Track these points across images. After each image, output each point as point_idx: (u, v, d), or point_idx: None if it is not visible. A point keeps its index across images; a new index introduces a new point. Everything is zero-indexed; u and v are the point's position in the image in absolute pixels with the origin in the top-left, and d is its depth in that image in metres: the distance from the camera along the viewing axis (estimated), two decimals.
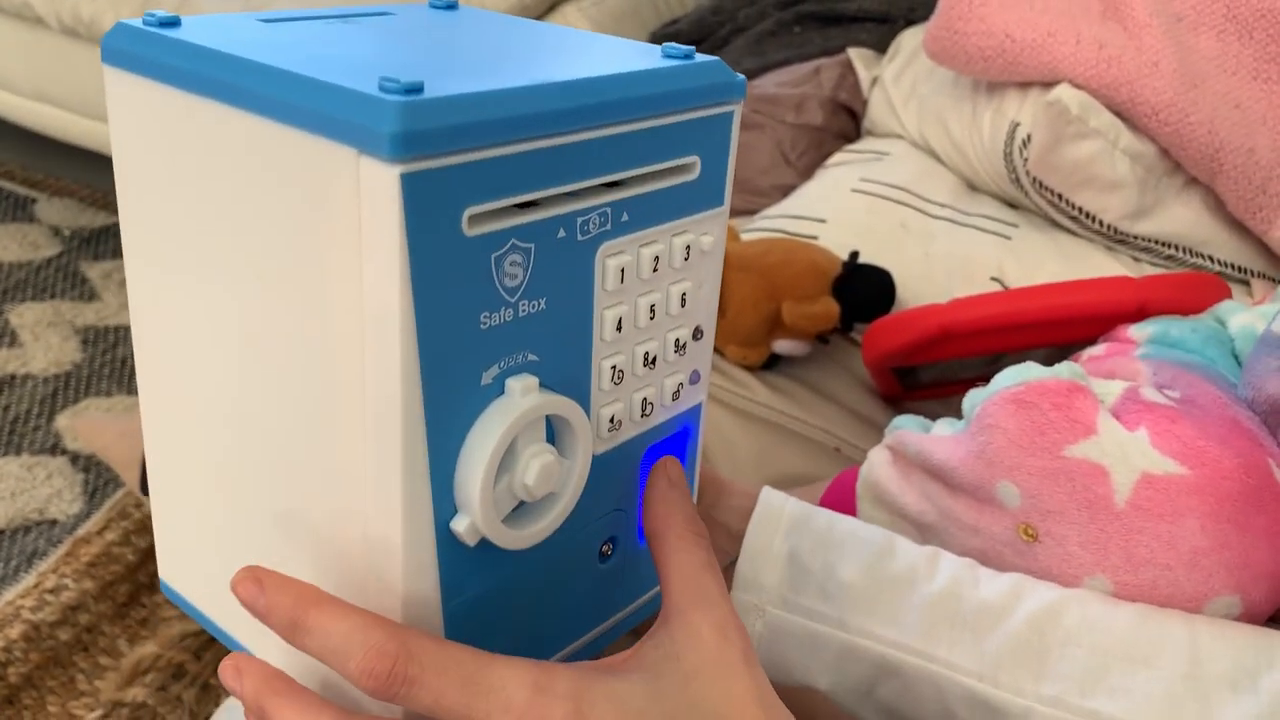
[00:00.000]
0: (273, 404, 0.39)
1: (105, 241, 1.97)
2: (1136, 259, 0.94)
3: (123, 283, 0.45)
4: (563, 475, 0.39)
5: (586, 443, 0.40)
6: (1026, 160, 0.93)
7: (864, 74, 1.20)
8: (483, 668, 0.35)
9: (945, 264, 0.92)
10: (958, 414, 0.60)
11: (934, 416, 0.87)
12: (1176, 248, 0.93)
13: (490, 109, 0.33)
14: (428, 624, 0.38)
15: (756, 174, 1.13)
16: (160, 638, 1.17)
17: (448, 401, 0.35)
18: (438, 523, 0.36)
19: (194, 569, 0.47)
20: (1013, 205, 1.01)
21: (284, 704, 0.37)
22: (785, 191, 1.11)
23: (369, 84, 0.32)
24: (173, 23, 0.39)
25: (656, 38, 1.44)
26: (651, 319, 0.41)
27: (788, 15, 1.29)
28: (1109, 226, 0.92)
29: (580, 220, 0.37)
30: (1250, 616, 0.49)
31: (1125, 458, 0.49)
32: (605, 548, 0.45)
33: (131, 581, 1.25)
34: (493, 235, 0.34)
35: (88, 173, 2.17)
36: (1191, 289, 0.69)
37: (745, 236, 0.97)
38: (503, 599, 0.40)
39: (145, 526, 1.31)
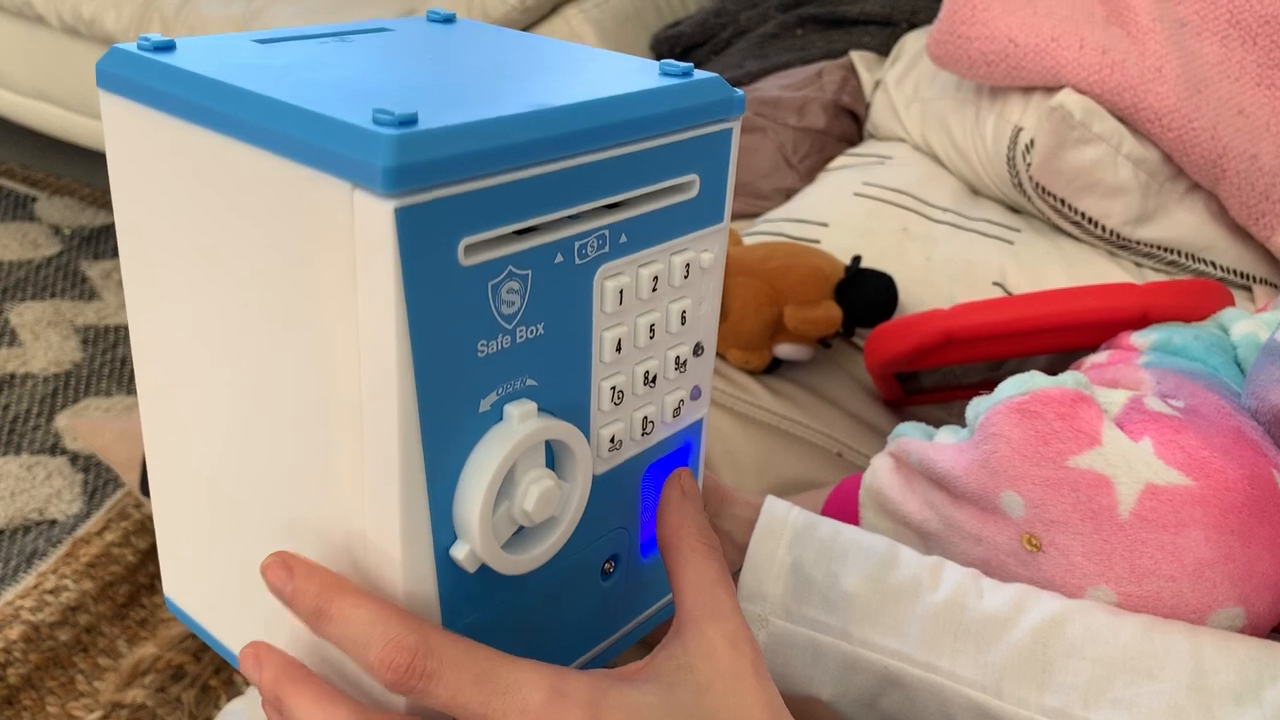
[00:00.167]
0: (270, 431, 0.38)
1: (105, 240, 1.97)
2: (1139, 264, 0.94)
3: (122, 282, 0.46)
4: (562, 499, 0.39)
5: (586, 466, 0.39)
6: (1029, 165, 0.93)
7: (866, 77, 1.20)
8: (501, 667, 0.35)
9: (947, 268, 0.92)
10: (960, 419, 0.59)
11: (936, 421, 0.87)
12: (1179, 253, 0.93)
13: (485, 138, 0.32)
14: None
15: (758, 177, 1.13)
16: (160, 639, 1.17)
17: (445, 430, 0.35)
18: (437, 550, 0.36)
19: (198, 587, 0.47)
20: (1015, 210, 1.01)
21: (301, 693, 0.37)
22: (787, 194, 1.11)
23: (363, 115, 0.32)
24: (167, 47, 0.38)
25: (659, 40, 1.44)
26: (651, 338, 0.41)
27: (790, 18, 1.29)
28: (1111, 232, 0.92)
29: (578, 244, 0.36)
30: (1254, 628, 0.49)
31: (1130, 468, 0.49)
32: (607, 565, 0.44)
33: (131, 582, 1.25)
34: (489, 264, 0.34)
35: (88, 171, 2.17)
36: (1194, 296, 0.69)
37: (747, 240, 0.97)
38: (504, 621, 0.40)
39: (145, 527, 1.31)
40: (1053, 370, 0.75)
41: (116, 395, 1.57)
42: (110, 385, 1.59)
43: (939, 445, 0.56)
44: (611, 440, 0.41)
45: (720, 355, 0.87)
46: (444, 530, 0.36)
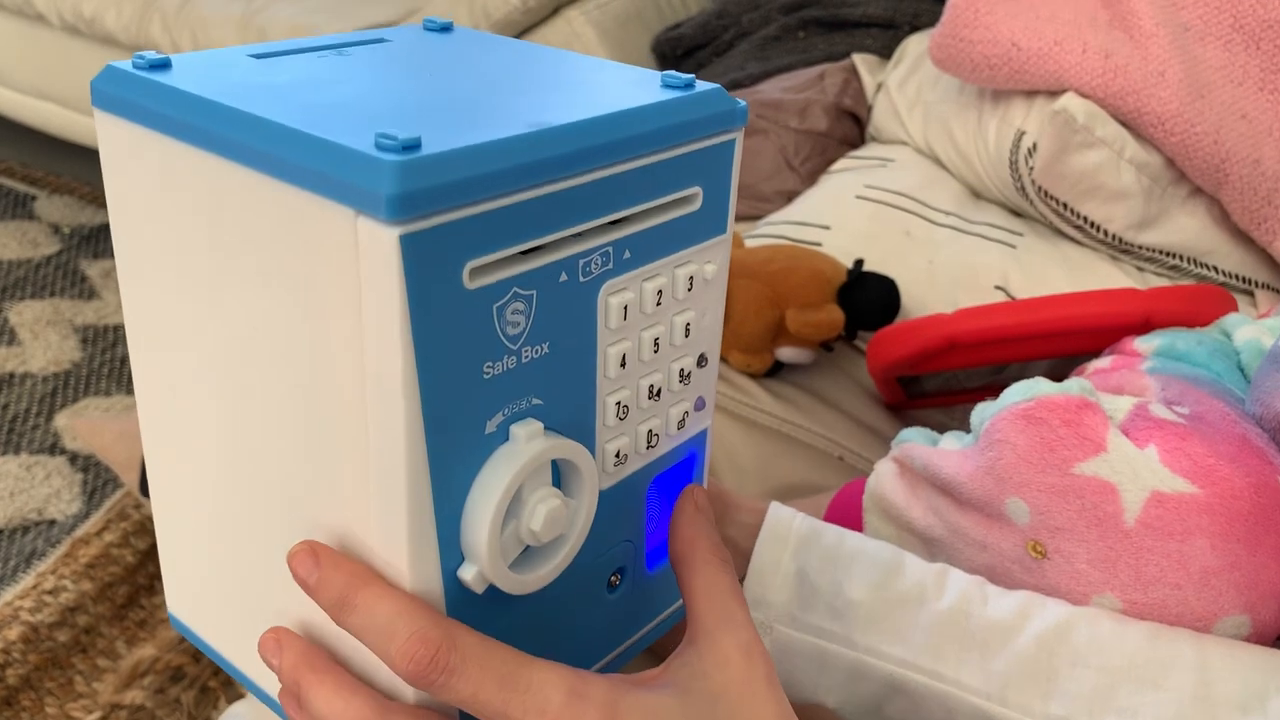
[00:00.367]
0: (275, 454, 0.38)
1: (105, 239, 1.97)
2: (1141, 269, 0.94)
3: (121, 301, 0.46)
4: (569, 517, 0.39)
5: (592, 483, 0.39)
6: (1032, 169, 0.93)
7: (868, 80, 1.20)
8: (522, 666, 0.35)
9: (949, 272, 0.92)
10: (963, 422, 0.59)
11: (938, 424, 0.87)
12: (1181, 258, 0.93)
13: (489, 161, 0.32)
14: None
15: (760, 179, 1.13)
16: (159, 640, 1.17)
17: (452, 453, 0.34)
18: (445, 571, 0.36)
19: (204, 605, 0.47)
20: (1017, 214, 1.01)
21: (321, 681, 0.37)
22: (789, 197, 1.11)
23: (365, 140, 0.31)
24: (163, 65, 0.38)
25: (660, 41, 1.43)
26: (656, 352, 0.41)
27: (792, 20, 1.29)
28: (1114, 236, 0.92)
29: (582, 262, 0.36)
30: (1260, 636, 0.49)
31: (1135, 475, 0.49)
32: (613, 578, 0.44)
33: (130, 583, 1.25)
34: (494, 286, 0.33)
35: (88, 170, 2.17)
36: (1197, 301, 0.69)
37: (749, 243, 0.97)
38: (513, 638, 0.39)
39: (144, 528, 1.31)
40: (1056, 374, 0.75)
41: (116, 395, 1.57)
42: (109, 385, 1.59)
43: (943, 451, 0.56)
44: (617, 455, 0.41)
45: (722, 358, 0.86)
46: (451, 552, 0.36)
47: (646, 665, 0.56)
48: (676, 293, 0.40)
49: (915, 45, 1.18)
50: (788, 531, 0.51)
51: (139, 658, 1.14)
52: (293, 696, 0.38)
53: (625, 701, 0.36)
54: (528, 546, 0.38)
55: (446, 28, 0.47)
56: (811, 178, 1.13)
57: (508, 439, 0.36)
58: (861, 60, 1.21)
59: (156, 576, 1.26)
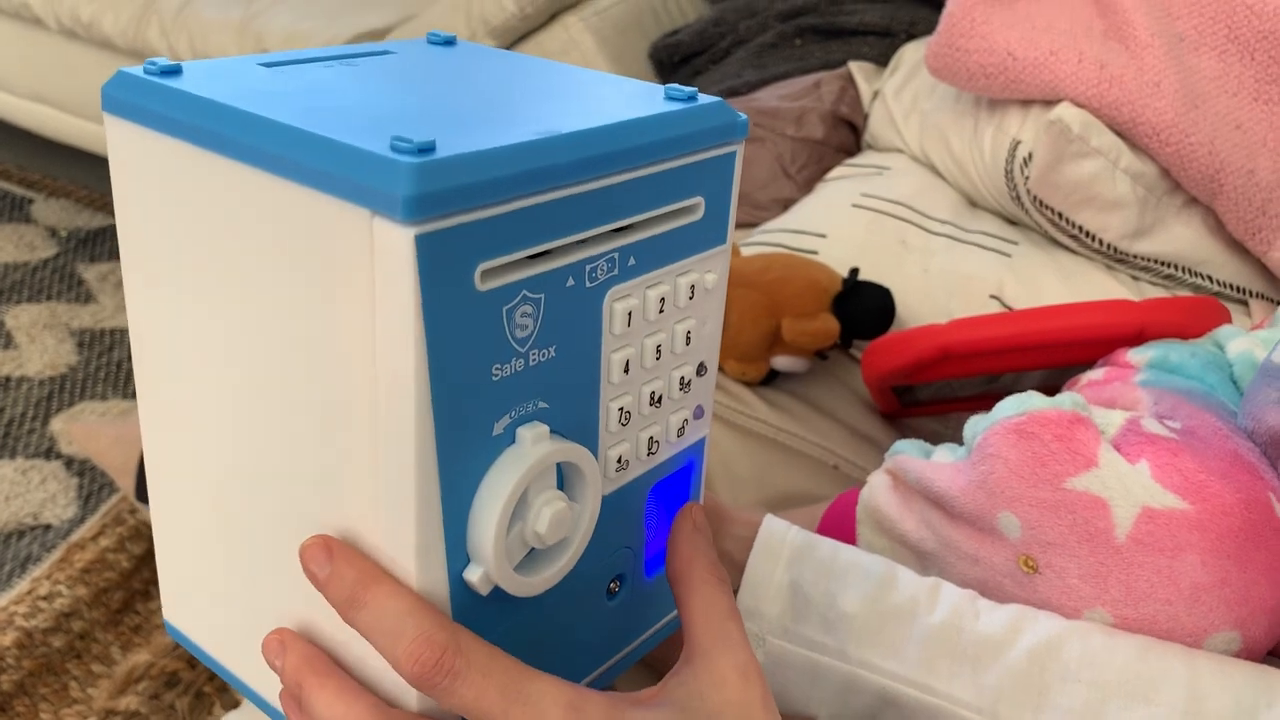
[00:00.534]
0: (281, 455, 0.38)
1: (102, 243, 1.97)
2: (1136, 278, 0.95)
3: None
4: (573, 520, 0.39)
5: (596, 487, 0.40)
6: (1027, 178, 0.93)
7: (865, 88, 1.20)
8: (524, 677, 0.35)
9: (945, 281, 0.92)
10: (957, 431, 0.59)
11: (932, 433, 0.87)
12: (1176, 267, 0.93)
13: (502, 165, 0.33)
14: None
15: (756, 187, 1.13)
16: (154, 645, 1.17)
17: (460, 454, 0.35)
18: (451, 573, 0.36)
19: (201, 612, 0.47)
20: (1013, 222, 1.01)
21: (323, 684, 0.37)
22: (785, 205, 1.11)
23: (381, 143, 0.32)
24: (174, 71, 0.38)
25: (657, 48, 1.43)
26: (658, 359, 0.41)
27: (789, 28, 1.29)
28: (1109, 245, 0.92)
29: (589, 267, 0.37)
30: (1250, 652, 0.49)
31: (1126, 491, 0.49)
32: (613, 585, 0.45)
33: (125, 588, 1.24)
34: (504, 288, 0.34)
35: (85, 173, 2.17)
36: (1191, 313, 0.69)
37: (745, 251, 0.97)
38: (514, 643, 0.40)
39: (140, 533, 1.31)
40: (1050, 385, 0.75)
41: (112, 399, 1.57)
42: (106, 389, 1.59)
43: (936, 464, 0.56)
44: (619, 460, 0.42)
45: (718, 367, 0.87)
46: (457, 553, 0.36)
47: (642, 677, 0.56)
48: (678, 301, 0.41)
49: (912, 53, 1.19)
50: (781, 544, 0.51)
51: (134, 663, 1.14)
52: (294, 699, 0.38)
53: (623, 719, 0.36)
54: (532, 549, 0.38)
55: (450, 41, 0.47)
56: (808, 185, 1.13)
57: (514, 441, 0.36)
58: (858, 68, 1.22)
59: (152, 582, 1.26)
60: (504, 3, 1.40)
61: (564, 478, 0.39)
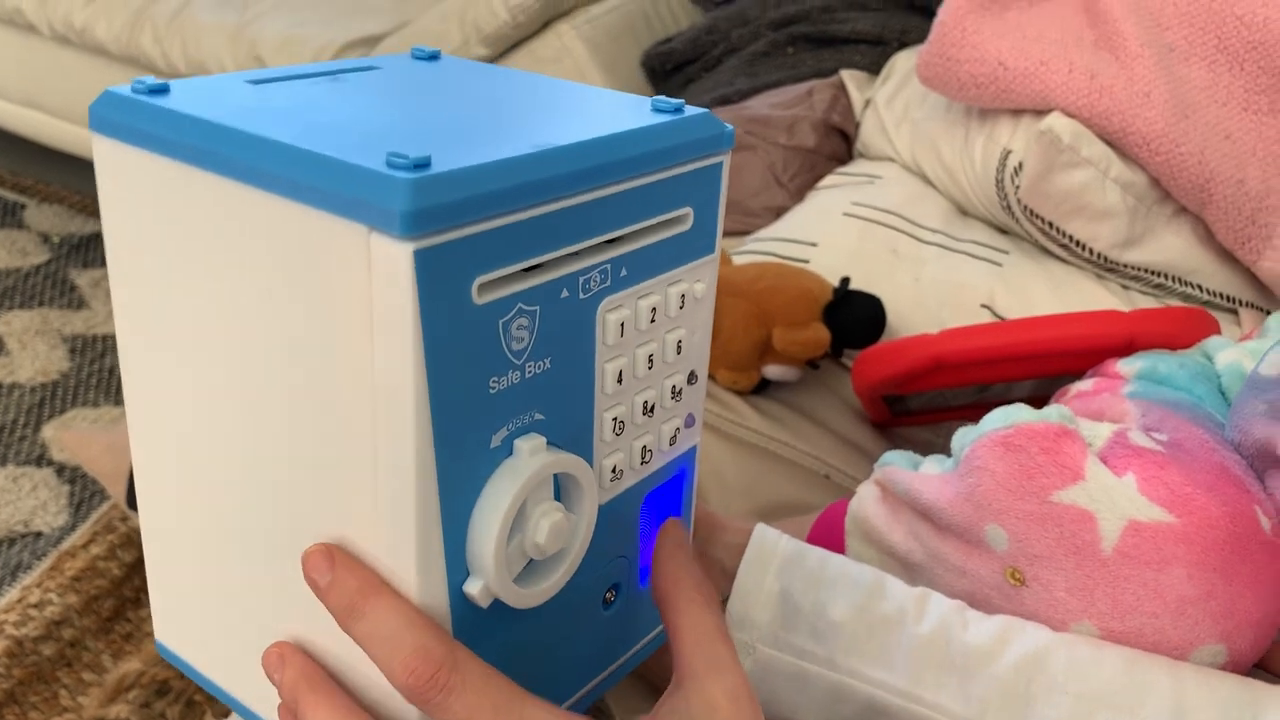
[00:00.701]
0: (278, 471, 0.39)
1: (94, 249, 1.97)
2: (1126, 287, 0.95)
3: (115, 321, 0.45)
4: (570, 530, 0.39)
5: (593, 497, 0.40)
6: (1018, 188, 0.93)
7: (856, 96, 1.20)
8: (518, 699, 0.35)
9: (936, 290, 0.92)
10: (948, 441, 0.60)
11: (923, 442, 0.87)
12: (1166, 276, 0.93)
13: (497, 179, 0.33)
14: None
15: (748, 195, 1.13)
16: (144, 653, 1.17)
17: (459, 467, 0.35)
18: (451, 586, 0.36)
19: (195, 631, 0.47)
20: (1004, 231, 1.01)
21: (319, 701, 0.37)
22: (777, 213, 1.11)
23: (376, 159, 0.32)
24: (162, 90, 0.39)
25: (650, 56, 1.44)
26: (650, 369, 0.42)
27: (781, 36, 1.29)
28: (1099, 255, 0.93)
29: (582, 279, 0.37)
30: (1236, 665, 0.49)
31: (1113, 504, 0.49)
32: (609, 595, 0.45)
33: (116, 596, 1.24)
34: (501, 301, 0.34)
35: (78, 179, 2.17)
36: (1180, 323, 0.69)
37: (737, 259, 0.97)
38: (513, 654, 0.40)
39: (131, 540, 1.30)
40: (1040, 394, 0.76)
41: (104, 405, 1.57)
42: (98, 395, 1.59)
43: (924, 476, 0.56)
44: (613, 470, 0.42)
45: (709, 376, 0.87)
46: (457, 566, 0.36)
47: (633, 688, 0.56)
48: (669, 310, 0.42)
49: (903, 62, 1.19)
50: (772, 553, 0.52)
51: (124, 671, 1.14)
52: (290, 714, 0.38)
53: None
54: (531, 560, 0.39)
55: (434, 56, 0.48)
56: (800, 194, 1.13)
57: (512, 453, 0.37)
58: (850, 76, 1.22)
59: (143, 589, 1.26)
60: (497, 10, 1.40)
61: (560, 488, 0.39)
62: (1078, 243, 0.93)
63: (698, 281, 0.43)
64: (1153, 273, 0.93)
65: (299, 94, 0.40)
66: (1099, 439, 0.54)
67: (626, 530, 0.45)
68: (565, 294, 0.37)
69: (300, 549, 0.38)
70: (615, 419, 0.41)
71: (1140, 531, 0.49)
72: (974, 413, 0.61)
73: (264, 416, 0.38)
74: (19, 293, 1.82)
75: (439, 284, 0.32)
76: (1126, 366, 0.65)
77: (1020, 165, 0.93)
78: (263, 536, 0.40)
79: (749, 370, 0.86)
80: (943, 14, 0.97)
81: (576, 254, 0.37)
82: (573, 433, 0.39)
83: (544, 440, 0.37)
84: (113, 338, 1.71)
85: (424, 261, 0.31)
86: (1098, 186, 0.90)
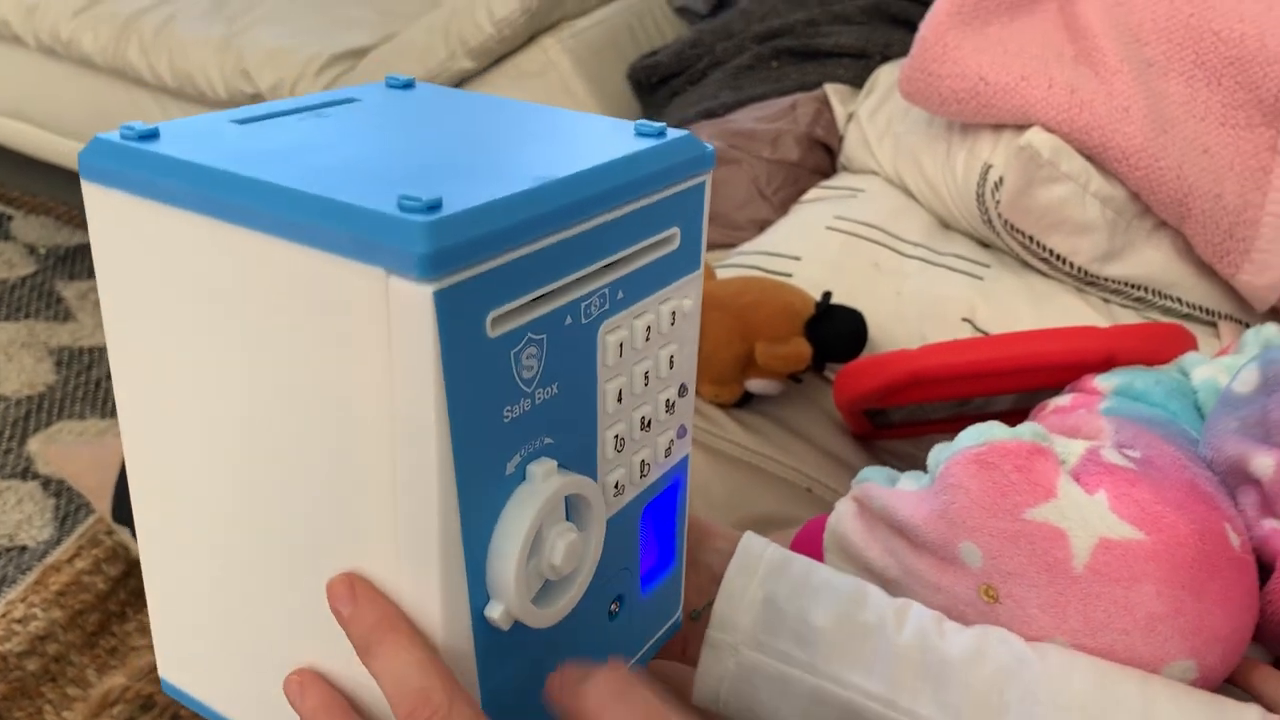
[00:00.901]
0: (295, 506, 0.39)
1: (81, 260, 1.96)
2: (1106, 300, 0.95)
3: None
4: (582, 549, 0.41)
5: (601, 514, 0.41)
6: (998, 202, 0.94)
7: (840, 110, 1.21)
8: None
9: (917, 304, 0.93)
10: (929, 453, 0.60)
11: (905, 455, 0.88)
12: (1146, 290, 0.94)
13: (506, 216, 0.34)
14: None
15: (732, 208, 1.14)
16: (129, 668, 1.17)
17: (478, 495, 0.36)
18: (473, 611, 0.37)
19: (205, 667, 0.47)
20: (985, 245, 1.02)
21: None
22: (761, 226, 1.12)
23: (388, 202, 0.33)
24: (152, 135, 0.39)
25: (635, 69, 1.44)
26: (646, 385, 0.43)
27: (766, 49, 1.30)
28: (1079, 268, 0.93)
29: (584, 304, 0.38)
30: (1206, 680, 0.50)
31: (1084, 522, 0.50)
32: (614, 606, 0.46)
33: (101, 611, 1.24)
34: (512, 333, 0.35)
35: (64, 190, 2.17)
36: (1158, 340, 0.70)
37: (721, 272, 0.98)
38: (529, 672, 0.41)
39: (116, 554, 1.30)
40: (1020, 409, 0.76)
41: (90, 418, 1.57)
42: (84, 408, 1.59)
43: (900, 493, 0.57)
44: (616, 486, 0.43)
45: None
46: (478, 592, 0.37)
47: None
48: (661, 327, 0.43)
49: (886, 75, 1.20)
50: (759, 559, 0.52)
51: (109, 686, 1.14)
52: None
53: None
54: (546, 581, 0.40)
55: (409, 84, 0.49)
56: (784, 206, 1.14)
57: (525, 478, 0.38)
58: (833, 90, 1.22)
59: (128, 604, 1.25)
60: (482, 24, 1.40)
61: (569, 508, 0.40)
62: (1058, 256, 0.93)
63: (685, 298, 0.44)
64: (1133, 286, 0.94)
65: (289, 133, 0.40)
66: (1072, 456, 0.54)
67: (628, 543, 0.46)
68: (569, 320, 0.38)
69: (319, 580, 0.39)
70: (616, 436, 0.42)
71: (1111, 549, 0.49)
72: (955, 426, 0.62)
73: (276, 454, 0.39)
74: (5, 304, 1.81)
75: (457, 321, 0.33)
76: (1104, 382, 0.66)
77: (1001, 180, 0.93)
78: (278, 569, 0.41)
79: (732, 384, 0.87)
80: (924, 29, 0.98)
81: (578, 281, 0.38)
82: (579, 453, 0.40)
83: (555, 463, 0.38)
84: (100, 350, 1.71)
85: (443, 301, 0.32)
86: (1077, 201, 0.90)
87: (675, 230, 0.42)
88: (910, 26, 1.09)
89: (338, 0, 1.80)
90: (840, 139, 1.20)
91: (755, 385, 0.86)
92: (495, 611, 0.38)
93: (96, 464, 1.15)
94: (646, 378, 0.43)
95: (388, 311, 0.33)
